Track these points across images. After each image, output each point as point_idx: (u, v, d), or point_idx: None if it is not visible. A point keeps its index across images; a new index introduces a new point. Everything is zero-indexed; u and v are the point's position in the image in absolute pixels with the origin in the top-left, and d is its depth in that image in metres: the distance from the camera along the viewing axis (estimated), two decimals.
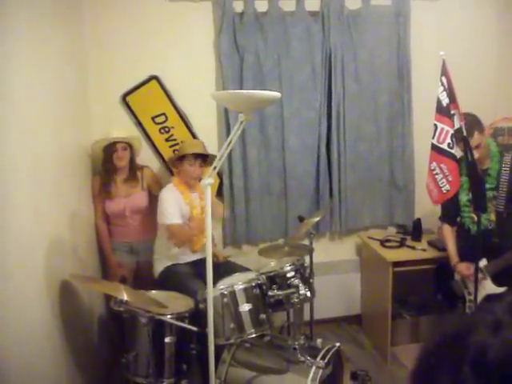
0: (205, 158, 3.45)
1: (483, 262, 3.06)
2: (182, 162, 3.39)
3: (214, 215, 3.10)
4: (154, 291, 2.95)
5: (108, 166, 3.50)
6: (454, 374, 0.61)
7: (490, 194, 3.12)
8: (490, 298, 3.02)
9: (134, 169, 3.59)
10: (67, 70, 3.20)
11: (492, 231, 3.14)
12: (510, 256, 2.96)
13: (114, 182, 3.53)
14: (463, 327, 0.65)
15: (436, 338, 0.69)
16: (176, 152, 3.67)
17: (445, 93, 3.03)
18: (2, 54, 2.14)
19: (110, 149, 3.47)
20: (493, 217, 3.14)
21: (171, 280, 3.23)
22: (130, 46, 3.71)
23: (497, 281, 3.03)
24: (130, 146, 3.55)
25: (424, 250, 3.70)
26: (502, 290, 3.01)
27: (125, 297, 2.44)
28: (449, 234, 3.34)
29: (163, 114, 3.84)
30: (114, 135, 3.49)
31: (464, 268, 3.14)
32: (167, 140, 3.86)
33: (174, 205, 3.30)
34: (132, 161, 3.58)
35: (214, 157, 3.63)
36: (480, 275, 3.00)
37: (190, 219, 3.38)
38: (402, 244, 3.83)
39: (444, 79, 3.08)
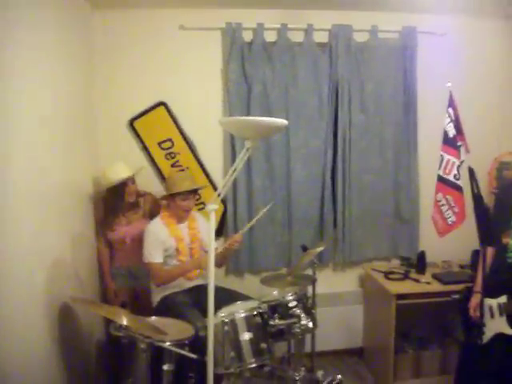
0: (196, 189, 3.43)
1: (502, 300, 2.87)
2: (174, 197, 3.31)
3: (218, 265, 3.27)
4: (153, 317, 2.91)
5: (117, 204, 3.49)
6: None
7: None
8: (499, 337, 2.84)
9: (136, 197, 3.59)
10: (76, 94, 3.24)
11: None
12: None
13: (118, 216, 3.54)
14: None
15: None
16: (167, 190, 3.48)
17: (451, 124, 3.04)
18: (12, 89, 2.18)
19: (120, 188, 3.44)
20: None
21: (169, 310, 3.14)
22: (139, 71, 3.76)
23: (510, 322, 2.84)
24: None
25: (428, 283, 3.65)
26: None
27: (124, 322, 2.42)
28: (488, 256, 2.97)
29: (170, 139, 3.86)
30: (122, 175, 3.42)
31: (472, 306, 2.95)
32: (173, 166, 3.87)
33: (154, 243, 3.24)
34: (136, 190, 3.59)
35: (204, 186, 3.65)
36: (488, 315, 2.86)
37: (178, 251, 3.33)
38: (405, 276, 3.77)
39: (451, 110, 3.10)
